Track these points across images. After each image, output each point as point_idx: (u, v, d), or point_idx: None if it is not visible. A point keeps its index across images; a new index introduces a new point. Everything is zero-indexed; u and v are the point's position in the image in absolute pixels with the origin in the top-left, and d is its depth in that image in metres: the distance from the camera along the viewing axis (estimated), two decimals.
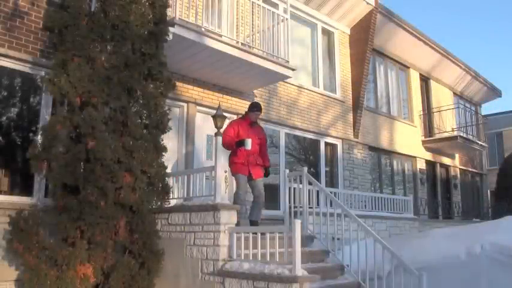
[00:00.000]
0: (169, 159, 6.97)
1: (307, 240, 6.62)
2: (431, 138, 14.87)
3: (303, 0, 10.57)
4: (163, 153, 5.92)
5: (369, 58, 11.70)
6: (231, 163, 6.52)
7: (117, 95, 5.52)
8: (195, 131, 8.09)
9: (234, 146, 6.36)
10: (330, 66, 11.55)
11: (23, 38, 6.03)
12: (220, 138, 5.73)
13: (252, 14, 8.64)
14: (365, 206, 9.40)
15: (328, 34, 11.61)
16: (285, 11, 8.66)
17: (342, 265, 6.19)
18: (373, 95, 13.06)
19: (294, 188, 7.05)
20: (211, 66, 7.66)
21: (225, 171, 7.73)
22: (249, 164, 6.42)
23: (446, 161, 15.77)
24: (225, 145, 6.32)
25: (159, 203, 5.80)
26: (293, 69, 8.46)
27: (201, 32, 7.06)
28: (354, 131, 11.56)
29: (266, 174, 6.82)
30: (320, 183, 8.78)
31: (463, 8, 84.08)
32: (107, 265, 5.24)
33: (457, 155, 16.42)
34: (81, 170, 5.25)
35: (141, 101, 5.77)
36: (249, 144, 6.20)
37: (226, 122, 7.52)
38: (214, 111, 6.29)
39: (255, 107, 6.65)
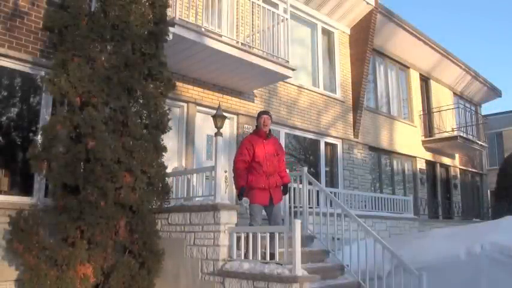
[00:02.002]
0: (169, 159, 6.97)
1: (307, 240, 6.63)
2: (431, 138, 14.87)
3: (303, 0, 10.57)
4: (163, 153, 5.91)
5: (369, 58, 11.70)
6: (247, 187, 5.60)
7: (117, 95, 5.52)
8: (195, 131, 8.09)
9: (244, 173, 5.59)
10: (330, 66, 11.55)
11: (23, 38, 6.04)
12: (220, 139, 5.71)
13: (252, 14, 8.64)
14: (365, 206, 9.40)
15: (328, 34, 11.61)
16: (285, 11, 8.66)
17: (342, 265, 6.19)
18: (373, 95, 13.06)
19: (294, 188, 7.05)
20: (212, 66, 7.66)
21: (225, 171, 7.74)
22: (270, 187, 5.63)
23: (446, 161, 15.77)
24: (238, 171, 5.61)
25: (159, 203, 5.80)
26: (293, 69, 8.46)
27: (201, 32, 7.06)
28: (354, 131, 11.56)
29: (285, 192, 6.07)
30: (320, 183, 8.79)
31: (463, 7, 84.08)
32: (107, 265, 5.24)
33: (457, 155, 16.42)
34: (81, 170, 5.25)
35: (141, 101, 5.77)
36: (247, 202, 5.49)
37: (227, 122, 7.52)
38: (214, 111, 6.28)
39: (260, 112, 5.91)
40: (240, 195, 5.60)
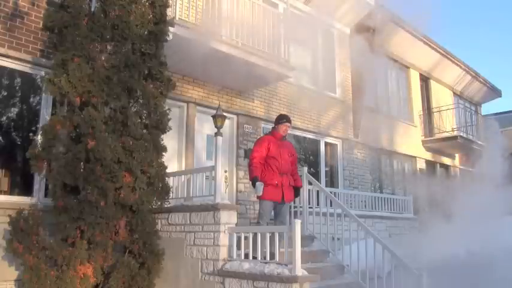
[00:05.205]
0: (169, 159, 6.96)
1: (307, 240, 6.63)
2: (431, 138, 14.87)
3: (303, 0, 10.57)
4: (163, 153, 5.92)
5: (369, 58, 11.68)
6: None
7: (117, 95, 5.52)
8: (195, 131, 8.09)
9: (259, 167, 5.61)
10: (329, 66, 11.54)
11: (23, 38, 6.04)
12: (220, 139, 5.71)
13: (252, 14, 8.63)
14: (365, 206, 9.41)
15: (328, 34, 11.61)
16: (285, 11, 8.66)
17: (342, 265, 6.20)
18: (373, 95, 13.04)
19: None
20: (211, 66, 7.66)
21: (225, 171, 7.74)
22: (282, 185, 5.65)
23: (446, 161, 15.77)
24: (253, 165, 5.58)
25: (159, 203, 5.81)
26: (293, 69, 8.46)
27: (201, 31, 7.06)
28: (354, 131, 11.56)
29: (297, 195, 6.08)
30: (320, 183, 8.78)
31: (463, 7, 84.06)
32: (107, 265, 5.24)
33: (457, 155, 16.42)
34: (81, 170, 5.25)
35: (141, 101, 5.77)
36: (260, 190, 5.46)
37: (227, 122, 7.51)
38: (214, 111, 6.28)
39: (284, 118, 5.91)
40: (253, 184, 5.55)
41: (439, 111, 15.52)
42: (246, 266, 4.82)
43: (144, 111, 5.79)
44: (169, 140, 6.76)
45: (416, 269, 5.42)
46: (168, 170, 6.00)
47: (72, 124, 5.33)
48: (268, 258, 4.91)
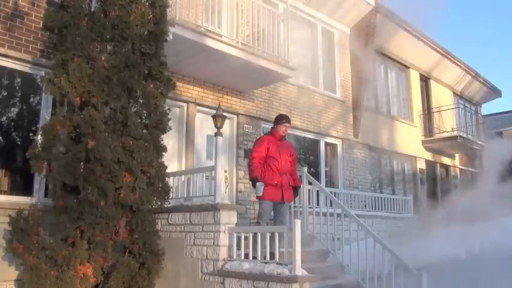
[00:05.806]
0: (169, 159, 6.96)
1: (307, 240, 6.63)
2: (431, 138, 14.88)
3: (303, 0, 10.57)
4: (163, 153, 5.92)
5: (369, 58, 11.69)
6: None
7: (117, 95, 5.52)
8: (195, 131, 8.10)
9: (259, 167, 5.63)
10: (330, 66, 11.55)
11: (23, 38, 6.04)
12: (220, 139, 5.72)
13: (252, 14, 8.64)
14: (365, 205, 9.41)
15: (328, 34, 11.61)
16: (285, 11, 8.66)
17: (342, 265, 6.20)
18: (373, 95, 13.05)
19: None
20: (211, 66, 7.66)
21: (225, 171, 7.74)
22: (282, 185, 5.68)
23: (446, 161, 15.77)
24: (253, 165, 5.59)
25: (159, 203, 5.81)
26: (293, 69, 8.47)
27: (201, 32, 7.06)
28: (354, 131, 11.56)
29: (296, 195, 6.08)
30: (320, 183, 8.79)
31: (463, 7, 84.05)
32: (107, 265, 5.24)
33: (457, 155, 16.43)
34: (81, 170, 5.25)
35: (141, 101, 5.77)
36: (260, 190, 5.47)
37: (227, 122, 7.52)
38: (214, 111, 6.28)
39: (283, 119, 5.93)
40: (253, 184, 5.57)
41: (439, 111, 15.52)
42: (246, 266, 4.82)
43: (144, 111, 5.79)
44: (169, 140, 6.76)
45: (416, 269, 5.42)
46: (168, 170, 6.00)
47: (72, 124, 5.33)
48: (268, 258, 4.91)
